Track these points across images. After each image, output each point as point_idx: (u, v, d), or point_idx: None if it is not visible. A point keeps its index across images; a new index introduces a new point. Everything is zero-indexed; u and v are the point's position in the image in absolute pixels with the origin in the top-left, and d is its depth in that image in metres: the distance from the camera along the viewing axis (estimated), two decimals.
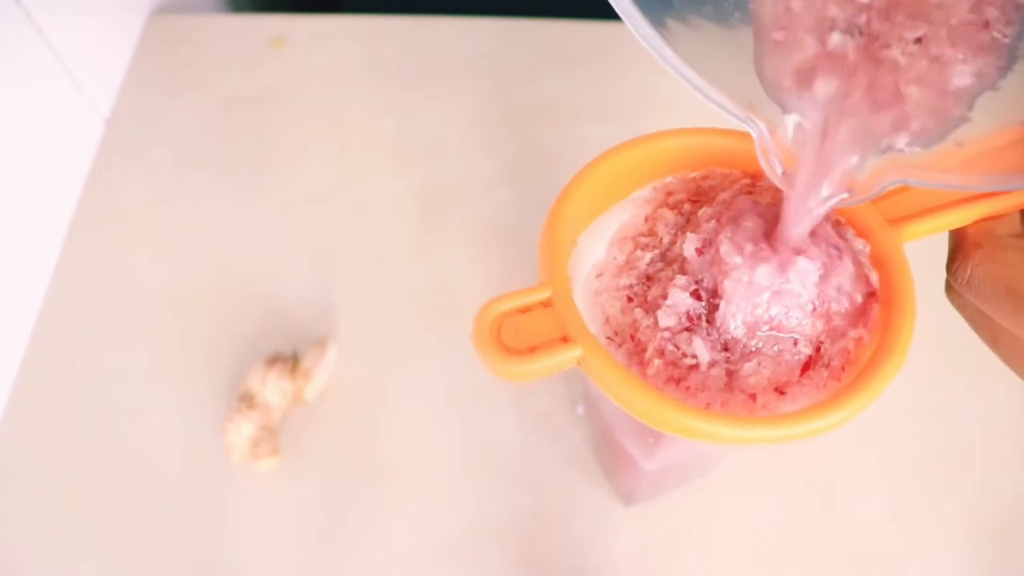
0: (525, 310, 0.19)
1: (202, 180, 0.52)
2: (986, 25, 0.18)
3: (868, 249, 0.22)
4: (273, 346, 0.44)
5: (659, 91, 0.53)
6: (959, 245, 0.22)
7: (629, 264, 0.22)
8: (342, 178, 0.52)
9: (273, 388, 0.41)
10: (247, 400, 0.41)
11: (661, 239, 0.22)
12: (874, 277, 0.21)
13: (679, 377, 0.20)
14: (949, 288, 0.22)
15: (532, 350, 0.19)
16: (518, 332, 0.19)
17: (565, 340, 0.19)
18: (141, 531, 0.41)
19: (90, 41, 0.52)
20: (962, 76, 0.18)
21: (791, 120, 0.19)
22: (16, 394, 0.44)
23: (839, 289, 0.21)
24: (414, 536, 0.40)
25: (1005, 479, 0.41)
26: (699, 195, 0.24)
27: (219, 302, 0.47)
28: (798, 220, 0.20)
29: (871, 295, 0.21)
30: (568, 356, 0.19)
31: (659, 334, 0.20)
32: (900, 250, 0.22)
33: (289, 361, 0.42)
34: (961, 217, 0.21)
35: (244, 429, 0.40)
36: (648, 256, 0.22)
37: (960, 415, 0.43)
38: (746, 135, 0.20)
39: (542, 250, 0.21)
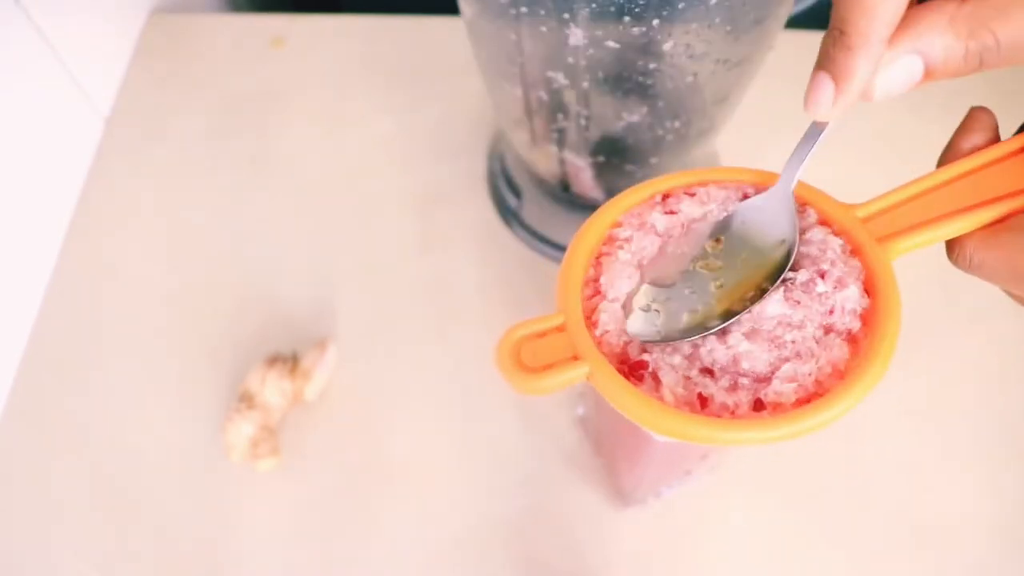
0: (542, 335, 0.22)
1: (202, 180, 0.52)
2: None
3: (862, 274, 0.23)
4: (273, 346, 0.44)
5: None
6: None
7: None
8: (342, 178, 0.52)
9: (273, 388, 0.41)
10: (247, 400, 0.41)
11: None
12: (865, 301, 0.22)
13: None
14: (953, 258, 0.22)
15: (547, 368, 0.21)
16: (535, 353, 0.22)
17: (575, 359, 0.22)
18: (141, 531, 0.41)
19: (90, 41, 0.52)
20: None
21: None
22: (16, 394, 0.44)
23: (826, 309, 0.22)
24: (414, 536, 0.40)
25: (1005, 479, 0.41)
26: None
27: (219, 302, 0.47)
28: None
29: (860, 317, 0.22)
30: (578, 372, 0.21)
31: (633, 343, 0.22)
32: (889, 269, 0.22)
33: (289, 361, 0.42)
34: (953, 229, 0.22)
35: (244, 429, 0.40)
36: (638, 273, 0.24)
37: (960, 415, 0.43)
38: (752, 171, 0.24)
39: (559, 282, 0.23)
